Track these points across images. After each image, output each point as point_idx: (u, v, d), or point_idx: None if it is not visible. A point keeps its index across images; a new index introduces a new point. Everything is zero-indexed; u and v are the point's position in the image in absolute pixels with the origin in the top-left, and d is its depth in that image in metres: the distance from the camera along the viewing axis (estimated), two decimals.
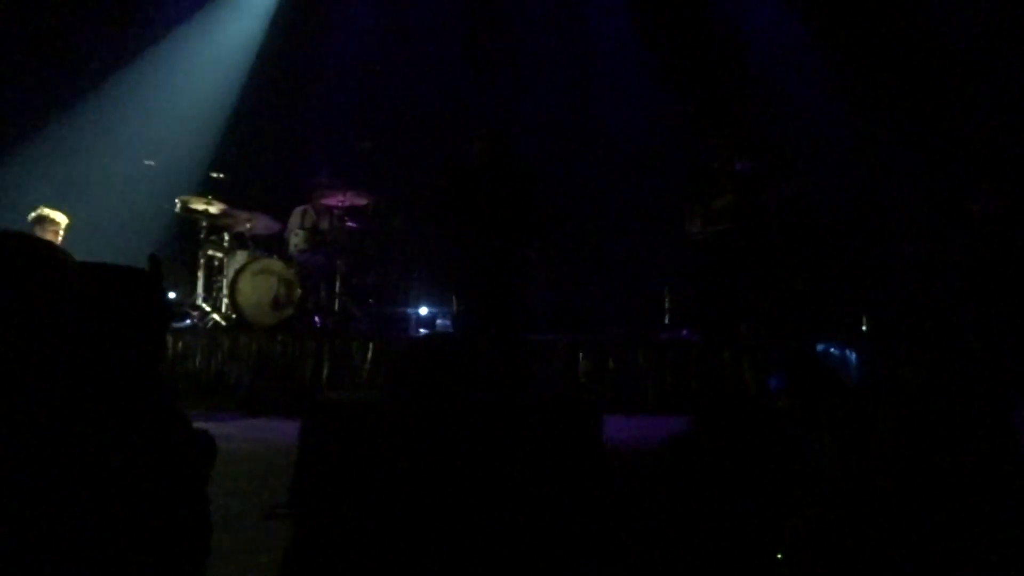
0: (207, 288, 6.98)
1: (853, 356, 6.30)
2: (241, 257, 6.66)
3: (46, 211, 5.60)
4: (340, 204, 6.93)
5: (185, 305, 7.10)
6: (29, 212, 5.63)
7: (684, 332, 6.78)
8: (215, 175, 7.03)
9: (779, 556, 1.60)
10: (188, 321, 6.76)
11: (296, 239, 6.93)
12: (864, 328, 6.75)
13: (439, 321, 7.19)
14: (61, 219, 5.64)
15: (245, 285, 6.46)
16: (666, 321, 7.17)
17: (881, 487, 1.24)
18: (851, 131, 7.66)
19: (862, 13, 7.61)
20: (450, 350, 1.49)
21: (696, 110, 8.03)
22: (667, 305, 7.20)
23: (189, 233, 7.35)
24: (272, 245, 7.17)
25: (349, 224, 7.01)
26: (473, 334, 5.18)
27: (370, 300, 7.25)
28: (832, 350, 6.31)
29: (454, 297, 5.99)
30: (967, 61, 7.35)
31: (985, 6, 7.32)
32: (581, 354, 6.20)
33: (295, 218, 7.30)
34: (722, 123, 6.77)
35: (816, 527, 1.25)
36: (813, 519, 1.27)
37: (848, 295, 7.07)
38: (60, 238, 5.64)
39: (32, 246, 1.18)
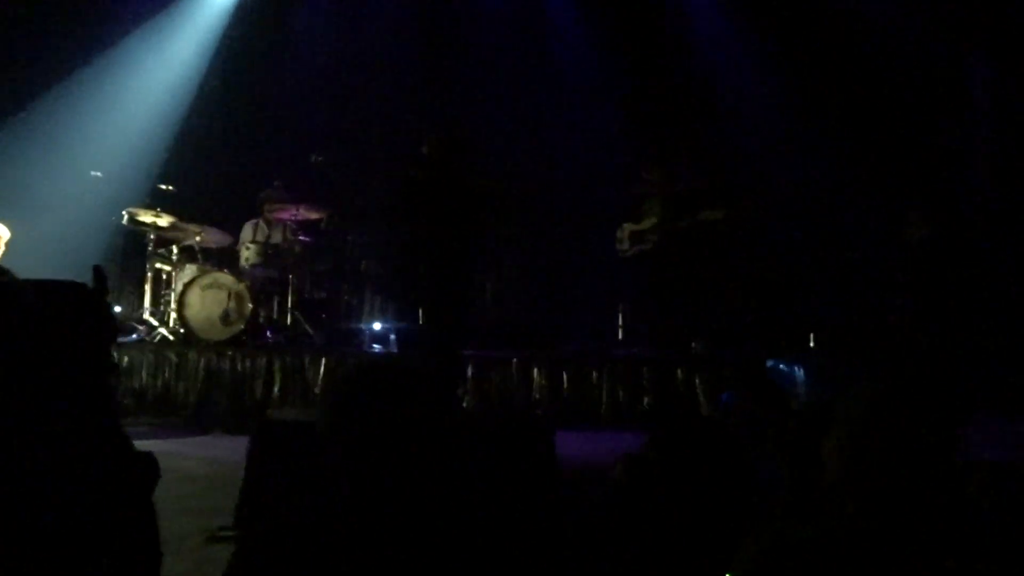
0: (155, 302, 6.84)
1: (801, 371, 6.41)
2: (190, 270, 6.53)
3: None
4: (293, 218, 6.87)
5: (132, 319, 6.94)
6: None
7: (634, 350, 6.85)
8: (164, 187, 6.91)
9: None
10: (135, 336, 6.61)
11: (248, 253, 6.83)
12: (812, 344, 6.88)
13: (392, 337, 7.12)
14: (3, 232, 5.46)
15: (194, 299, 6.33)
16: (620, 337, 7.21)
17: (831, 504, 1.25)
18: (802, 155, 7.84)
19: (814, 47, 7.82)
20: (390, 372, 1.47)
21: (653, 128, 8.17)
22: (621, 322, 7.25)
23: (137, 246, 7.19)
24: (223, 259, 7.05)
25: (302, 238, 6.94)
26: (411, 350, 5.06)
27: (323, 315, 7.16)
28: (781, 366, 6.42)
29: (405, 308, 5.87)
30: (910, 94, 7.60)
31: (926, 43, 7.59)
32: (536, 370, 6.20)
33: (247, 231, 7.20)
34: (662, 146, 6.94)
35: (768, 546, 1.25)
36: (764, 538, 1.27)
37: (796, 312, 7.21)
38: (2, 251, 5.46)
39: None
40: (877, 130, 7.64)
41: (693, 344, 6.82)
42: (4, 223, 5.50)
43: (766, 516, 1.46)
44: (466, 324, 5.43)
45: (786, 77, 7.86)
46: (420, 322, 5.08)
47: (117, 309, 7.78)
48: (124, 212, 6.58)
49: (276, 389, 6.06)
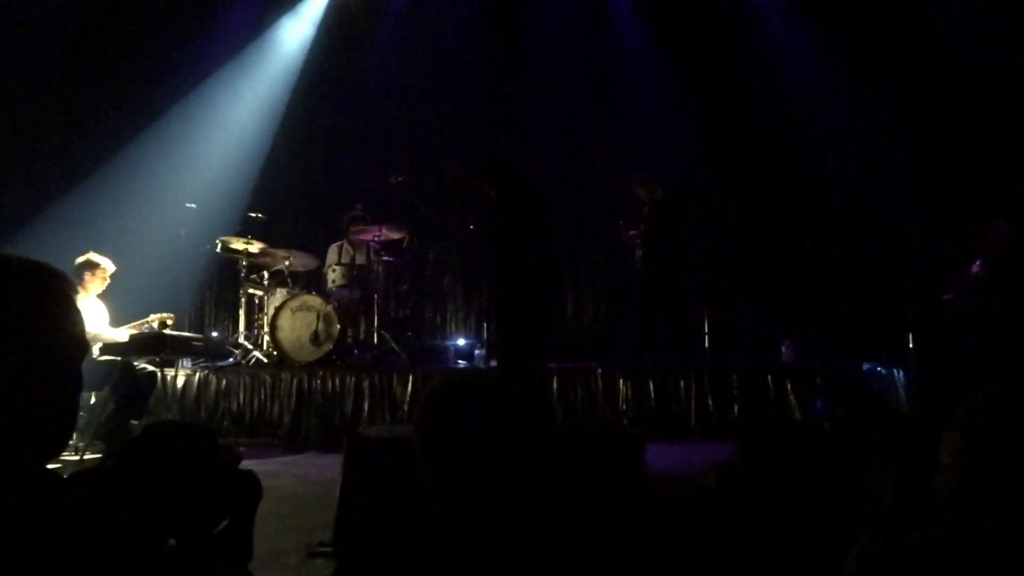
0: (248, 326, 7.08)
1: (901, 374, 6.15)
2: (280, 294, 6.74)
3: (94, 257, 5.71)
4: (375, 239, 7.01)
5: (228, 343, 7.20)
6: (78, 256, 5.75)
7: (704, 360, 6.74)
8: (253, 215, 7.16)
9: None
10: (231, 360, 6.84)
11: (333, 275, 7.01)
12: (911, 346, 6.58)
13: (477, 352, 7.19)
14: (108, 265, 5.74)
15: (285, 322, 6.53)
16: (706, 345, 7.08)
17: (950, 510, 1.18)
18: (894, 152, 7.57)
19: (897, 33, 7.55)
20: (477, 386, 1.48)
21: (724, 134, 8.05)
22: (707, 329, 7.11)
23: (230, 272, 7.47)
24: (310, 281, 7.26)
25: (385, 258, 7.08)
26: (501, 364, 5.06)
27: (408, 333, 7.27)
28: (879, 369, 6.18)
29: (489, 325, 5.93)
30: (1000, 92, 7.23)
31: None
32: (621, 381, 6.14)
33: (332, 254, 7.39)
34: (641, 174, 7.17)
35: (880, 553, 1.19)
36: (875, 544, 1.21)
37: (894, 313, 6.92)
38: (106, 283, 5.75)
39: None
40: (971, 128, 7.30)
41: (783, 349, 6.64)
42: (108, 257, 5.78)
43: (871, 523, 1.39)
44: (548, 336, 5.40)
45: (884, 73, 7.60)
46: (503, 335, 5.08)
47: (214, 334, 8.12)
48: (217, 240, 6.85)
49: (366, 407, 6.19)
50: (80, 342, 1.03)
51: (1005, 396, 1.15)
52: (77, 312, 1.05)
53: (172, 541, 1.39)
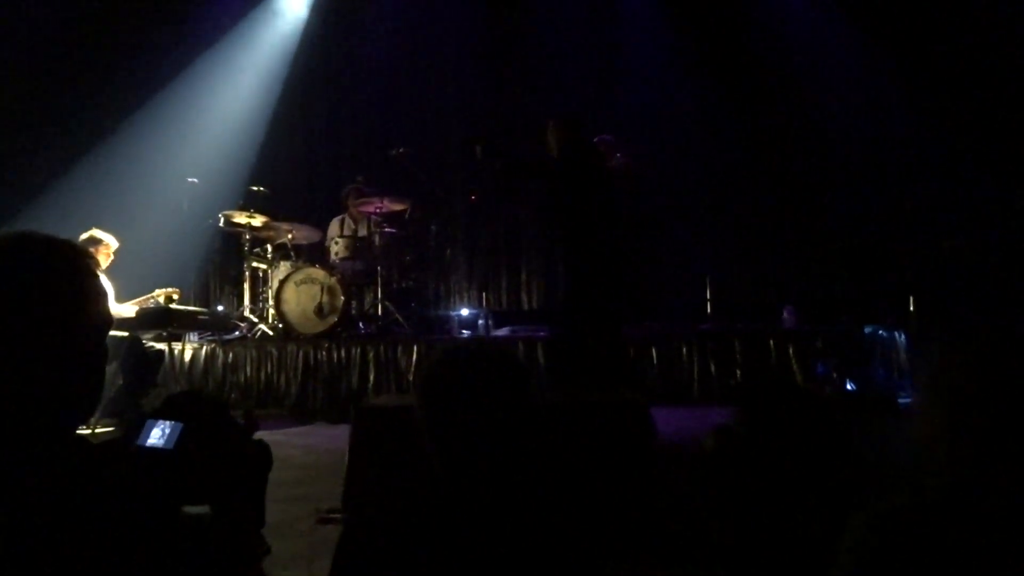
0: (253, 299, 7.12)
1: (902, 337, 6.19)
2: (284, 267, 6.77)
3: (97, 233, 5.73)
4: (377, 211, 7.01)
5: (233, 317, 7.24)
6: (81, 233, 5.77)
7: (706, 325, 6.76)
8: (255, 188, 7.16)
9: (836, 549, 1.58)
10: (236, 333, 6.90)
11: (336, 247, 7.03)
12: (912, 308, 6.62)
13: (480, 322, 7.23)
14: (112, 241, 5.77)
15: (290, 295, 6.57)
16: (708, 311, 7.11)
17: (938, 475, 1.20)
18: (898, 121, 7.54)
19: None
20: (478, 356, 1.51)
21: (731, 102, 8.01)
22: (708, 295, 7.14)
23: (233, 246, 7.49)
24: (314, 254, 7.29)
25: (387, 230, 7.09)
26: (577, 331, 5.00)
27: (412, 304, 7.31)
28: (880, 332, 6.21)
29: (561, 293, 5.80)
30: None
31: None
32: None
33: (334, 227, 7.40)
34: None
35: (880, 525, 1.21)
36: (876, 517, 1.22)
37: (895, 276, 6.95)
38: (110, 259, 5.79)
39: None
40: (974, 86, 7.23)
41: (785, 314, 6.68)
42: (111, 233, 5.80)
43: (874, 489, 1.42)
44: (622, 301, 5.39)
45: (886, 45, 7.51)
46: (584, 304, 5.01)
47: (220, 308, 8.17)
48: (220, 215, 6.86)
49: (371, 378, 6.25)
50: (105, 315, 1.09)
51: (977, 352, 1.15)
52: (102, 287, 1.11)
53: (190, 508, 1.43)
